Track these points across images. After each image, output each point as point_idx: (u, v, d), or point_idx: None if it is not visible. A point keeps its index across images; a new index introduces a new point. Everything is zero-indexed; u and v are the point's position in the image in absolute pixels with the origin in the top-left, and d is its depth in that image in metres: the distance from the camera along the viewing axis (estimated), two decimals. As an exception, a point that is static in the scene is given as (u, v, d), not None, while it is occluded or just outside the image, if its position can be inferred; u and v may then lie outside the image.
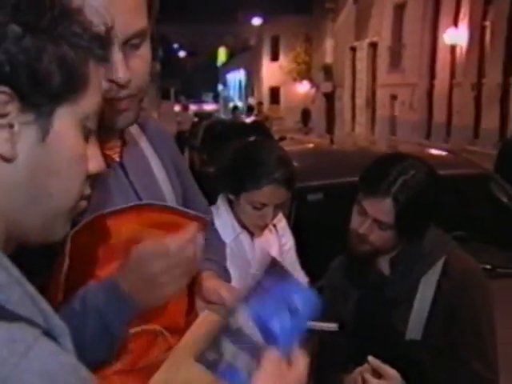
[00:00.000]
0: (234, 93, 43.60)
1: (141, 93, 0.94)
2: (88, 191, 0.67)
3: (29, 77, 0.55)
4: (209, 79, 55.32)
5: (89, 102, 0.62)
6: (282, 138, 11.16)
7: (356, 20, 19.30)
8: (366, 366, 1.45)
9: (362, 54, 19.10)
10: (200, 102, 48.61)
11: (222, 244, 1.32)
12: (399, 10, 16.69)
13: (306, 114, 23.91)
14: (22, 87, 0.55)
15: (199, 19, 50.81)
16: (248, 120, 13.10)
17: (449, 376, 1.47)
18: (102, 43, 0.64)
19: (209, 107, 39.74)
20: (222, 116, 22.43)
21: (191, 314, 1.02)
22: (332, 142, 4.19)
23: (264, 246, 1.91)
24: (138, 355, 0.93)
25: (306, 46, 26.71)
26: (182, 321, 0.99)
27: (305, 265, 2.16)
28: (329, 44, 23.13)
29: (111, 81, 0.86)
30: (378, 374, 1.44)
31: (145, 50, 0.92)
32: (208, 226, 1.15)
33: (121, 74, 0.86)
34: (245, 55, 37.26)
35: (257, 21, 30.57)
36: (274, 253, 1.94)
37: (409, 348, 1.50)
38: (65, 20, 0.59)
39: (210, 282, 1.05)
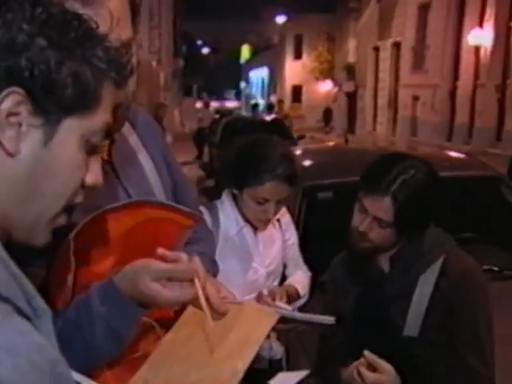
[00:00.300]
0: (256, 90, 43.64)
1: (127, 101, 0.97)
2: (80, 200, 0.72)
3: (44, 85, 0.61)
4: (231, 76, 55.47)
5: (97, 120, 0.67)
6: (301, 137, 11.21)
7: (379, 20, 19.18)
8: (361, 359, 1.49)
9: (385, 54, 18.99)
10: (222, 99, 48.78)
11: (211, 236, 1.36)
12: (423, 9, 16.55)
13: (327, 113, 23.74)
14: (36, 93, 0.61)
15: (223, 16, 50.96)
16: (268, 118, 13.15)
17: (445, 371, 1.49)
18: (120, 69, 0.70)
19: (231, 104, 39.87)
20: (244, 113, 22.48)
21: (180, 308, 1.05)
22: (347, 141, 4.20)
23: (267, 241, 1.96)
24: (128, 348, 0.95)
25: (329, 45, 26.63)
26: (171, 314, 1.01)
27: (311, 260, 2.20)
28: (352, 43, 23.03)
29: None
30: (373, 368, 1.48)
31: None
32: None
33: None
34: (268, 53, 37.29)
35: (280, 19, 30.57)
36: (277, 247, 1.98)
37: (405, 344, 1.53)
38: (88, 42, 0.65)
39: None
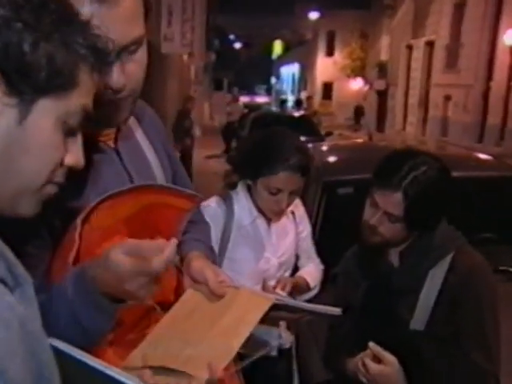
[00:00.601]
0: (287, 86, 43.56)
1: (135, 94, 1.01)
2: (60, 179, 0.75)
3: (18, 66, 0.64)
4: (263, 72, 55.42)
5: (74, 102, 0.71)
6: (329, 134, 11.18)
7: (414, 17, 18.95)
8: (367, 351, 1.52)
9: (418, 53, 18.76)
10: (253, 94, 48.77)
11: (208, 226, 1.42)
12: (459, 8, 16.29)
13: (358, 111, 23.32)
14: (10, 74, 0.64)
15: (257, 11, 50.86)
16: (296, 114, 13.15)
17: (448, 365, 1.51)
18: (100, 56, 0.73)
19: (261, 100, 39.85)
20: (273, 109, 22.47)
21: (180, 290, 1.09)
22: (371, 138, 4.20)
23: (280, 232, 1.99)
24: (129, 327, 0.99)
25: (362, 42, 26.42)
26: (171, 297, 1.06)
27: (329, 255, 2.22)
28: (385, 41, 22.80)
29: (107, 86, 0.94)
30: (377, 360, 1.51)
31: (141, 55, 0.99)
32: (196, 208, 1.24)
33: (116, 79, 0.94)
34: (300, 49, 37.17)
35: (313, 15, 30.42)
36: (290, 239, 2.02)
37: (411, 337, 1.55)
38: (66, 26, 0.68)
39: (197, 262, 1.11)
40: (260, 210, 1.94)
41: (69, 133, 0.73)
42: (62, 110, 0.70)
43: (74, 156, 0.75)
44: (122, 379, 0.70)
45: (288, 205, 1.87)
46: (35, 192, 0.72)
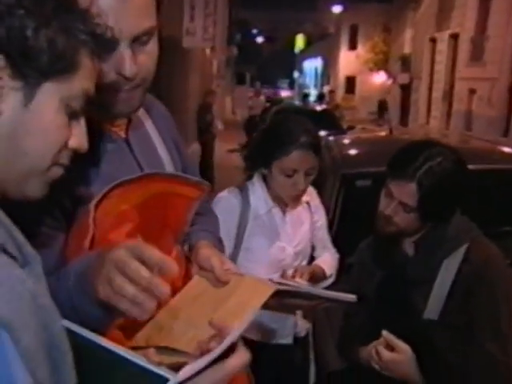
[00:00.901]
0: (309, 80, 43.37)
1: (145, 83, 1.05)
2: (65, 161, 0.78)
3: (21, 51, 0.68)
4: (285, 66, 55.27)
5: (75, 86, 0.74)
6: (351, 128, 11.12)
7: (438, 10, 18.69)
8: (380, 339, 1.54)
9: (442, 46, 18.51)
10: (275, 88, 48.66)
11: (216, 218, 1.45)
12: (485, 0, 16.02)
13: (382, 106, 22.79)
14: (15, 58, 0.68)
15: (279, 5, 50.68)
16: (318, 108, 13.10)
17: (462, 356, 1.52)
18: (100, 42, 0.77)
19: (284, 94, 39.76)
20: (296, 103, 22.41)
21: (188, 278, 1.11)
22: (391, 132, 4.18)
23: (296, 221, 2.02)
24: None
25: (385, 35, 26.13)
26: (179, 284, 1.07)
27: (346, 247, 2.23)
28: (408, 34, 22.53)
29: (120, 74, 0.98)
30: (390, 348, 1.53)
31: (152, 46, 1.03)
32: (206, 200, 1.27)
33: (128, 68, 0.97)
34: (322, 43, 36.95)
35: (336, 8, 30.20)
36: (306, 228, 2.05)
37: (424, 326, 1.56)
38: (66, 13, 0.72)
39: (205, 251, 1.14)
40: (275, 200, 1.97)
41: (72, 116, 0.76)
42: (64, 93, 0.73)
43: (78, 139, 0.79)
44: (129, 357, 0.72)
45: (305, 187, 1.90)
46: (42, 174, 0.75)
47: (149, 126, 1.23)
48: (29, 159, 0.73)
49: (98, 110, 1.00)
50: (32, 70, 0.69)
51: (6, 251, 0.63)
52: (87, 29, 0.75)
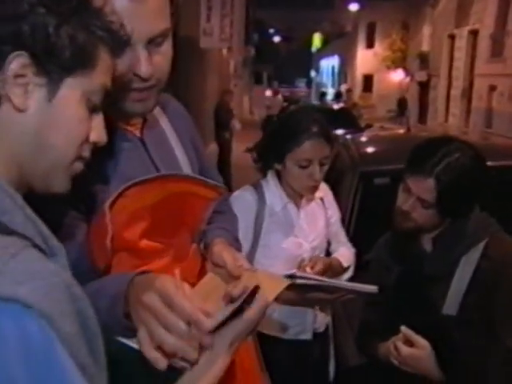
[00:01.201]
0: (326, 79, 43.22)
1: (160, 84, 1.07)
2: (87, 154, 0.81)
3: (44, 48, 0.71)
4: (302, 65, 55.14)
5: (95, 80, 0.77)
6: (368, 126, 11.07)
7: (457, 6, 18.50)
8: (399, 335, 1.55)
9: (461, 42, 18.31)
10: (293, 87, 48.59)
11: (234, 216, 1.46)
12: (505, -4, 15.81)
13: (402, 103, 22.28)
14: (39, 55, 0.70)
15: (296, 4, 50.60)
16: (336, 106, 13.06)
17: (481, 352, 1.52)
18: (115, 38, 0.80)
19: (301, 93, 39.68)
20: (313, 102, 22.34)
21: (202, 276, 1.11)
22: (409, 130, 4.17)
23: (310, 217, 2.04)
24: None
25: (403, 33, 25.92)
26: (194, 281, 1.08)
27: (364, 244, 2.24)
28: (426, 31, 22.32)
29: (136, 74, 1.01)
30: (409, 343, 1.53)
31: (167, 47, 1.05)
32: (224, 199, 1.27)
33: (144, 69, 1.00)
34: (340, 41, 36.78)
35: (353, 7, 30.07)
36: (321, 224, 2.07)
37: (443, 322, 1.56)
38: (84, 11, 0.75)
39: (218, 247, 1.16)
40: (290, 196, 1.99)
41: (92, 110, 0.79)
42: (85, 88, 0.76)
43: (98, 132, 0.82)
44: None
45: (320, 177, 1.92)
46: (66, 168, 0.78)
47: (165, 125, 1.25)
48: (54, 153, 0.75)
49: (113, 109, 1.02)
50: (55, 66, 0.72)
51: (37, 246, 0.66)
52: (104, 25, 0.78)
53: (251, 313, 0.85)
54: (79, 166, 0.81)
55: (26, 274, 0.59)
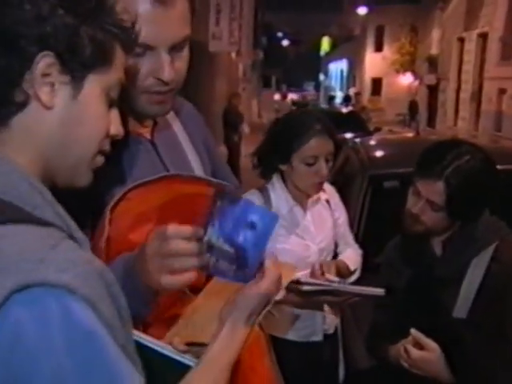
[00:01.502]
0: (335, 83, 43.22)
1: (178, 87, 1.10)
2: (107, 147, 0.85)
3: (67, 47, 0.74)
4: (311, 68, 55.16)
5: (112, 76, 0.81)
6: (377, 129, 11.07)
7: (467, 9, 18.45)
8: (409, 337, 1.55)
9: (471, 45, 18.26)
10: (301, 90, 48.61)
11: None
12: (515, -2, 15.74)
13: (413, 107, 22.09)
14: (63, 55, 0.74)
15: (305, 8, 50.66)
16: (345, 110, 13.06)
17: (491, 356, 1.52)
18: (128, 35, 0.84)
19: (310, 96, 39.70)
20: (322, 105, 22.33)
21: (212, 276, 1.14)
22: (418, 133, 4.17)
23: (317, 219, 2.06)
24: (163, 309, 1.05)
25: (412, 36, 25.87)
26: (202, 282, 1.09)
27: (373, 247, 2.24)
28: (435, 34, 22.26)
29: (158, 78, 1.04)
30: (419, 346, 1.53)
31: (186, 52, 1.09)
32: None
33: (167, 73, 1.04)
34: (348, 45, 36.78)
35: (362, 10, 30.06)
36: (328, 225, 2.08)
37: (453, 325, 1.56)
38: (100, 11, 0.78)
39: None
40: (296, 199, 2.01)
41: (111, 104, 0.83)
42: (105, 83, 0.80)
43: (116, 126, 0.85)
44: (157, 348, 0.82)
45: (327, 174, 1.95)
46: (89, 162, 0.82)
47: (177, 127, 1.26)
48: (79, 148, 0.79)
49: (130, 110, 1.04)
50: (77, 64, 0.75)
51: (71, 237, 0.71)
52: (117, 23, 0.81)
53: (265, 284, 0.89)
54: (100, 160, 0.84)
55: (67, 262, 0.64)
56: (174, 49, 1.04)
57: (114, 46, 0.80)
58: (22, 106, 0.73)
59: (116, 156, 0.99)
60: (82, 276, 0.64)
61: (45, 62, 0.72)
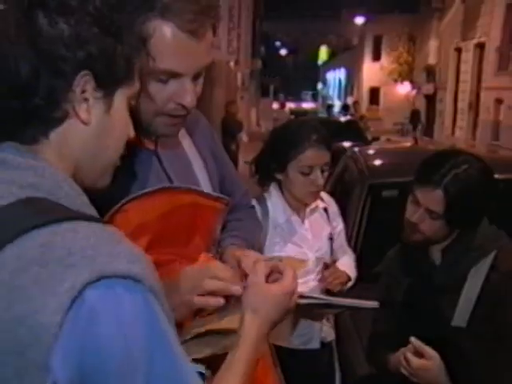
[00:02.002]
0: (333, 92, 43.37)
1: (192, 109, 1.12)
2: (124, 149, 0.89)
3: (103, 66, 0.77)
4: (309, 77, 55.37)
5: (133, 88, 0.85)
6: (375, 139, 11.11)
7: (463, 20, 18.58)
8: (409, 346, 1.55)
9: (468, 56, 18.37)
10: (299, 100, 48.76)
11: (254, 224, 1.46)
12: (511, 8, 15.86)
13: (415, 115, 21.65)
14: (98, 73, 0.77)
15: (303, 18, 50.92)
16: (343, 119, 13.11)
17: (490, 364, 1.52)
18: (143, 45, 0.89)
19: (308, 105, 39.82)
20: (320, 115, 22.40)
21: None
22: (416, 142, 4.19)
23: (315, 228, 2.08)
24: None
25: (409, 46, 26.03)
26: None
27: (372, 256, 2.25)
28: (433, 44, 22.39)
29: (180, 104, 1.06)
30: (419, 355, 1.54)
31: (202, 77, 1.11)
32: (247, 206, 1.31)
33: (190, 101, 1.06)
34: (346, 54, 37.00)
35: (360, 20, 30.25)
36: (325, 234, 2.10)
37: (453, 334, 1.57)
38: (126, 29, 0.82)
39: (229, 251, 1.20)
40: (293, 208, 2.03)
41: (129, 111, 0.87)
42: (128, 94, 0.84)
43: (131, 127, 0.89)
44: None
45: (323, 183, 1.98)
46: (114, 165, 0.87)
47: (183, 138, 1.26)
48: (109, 154, 0.84)
49: (140, 127, 1.04)
50: (110, 80, 0.79)
51: None
52: (136, 36, 0.85)
53: (287, 281, 0.99)
54: (118, 161, 0.88)
55: (134, 255, 0.69)
56: (196, 75, 1.07)
57: (136, 60, 0.84)
58: (61, 121, 0.77)
59: (119, 167, 1.00)
60: (148, 269, 0.70)
61: (84, 80, 0.76)
